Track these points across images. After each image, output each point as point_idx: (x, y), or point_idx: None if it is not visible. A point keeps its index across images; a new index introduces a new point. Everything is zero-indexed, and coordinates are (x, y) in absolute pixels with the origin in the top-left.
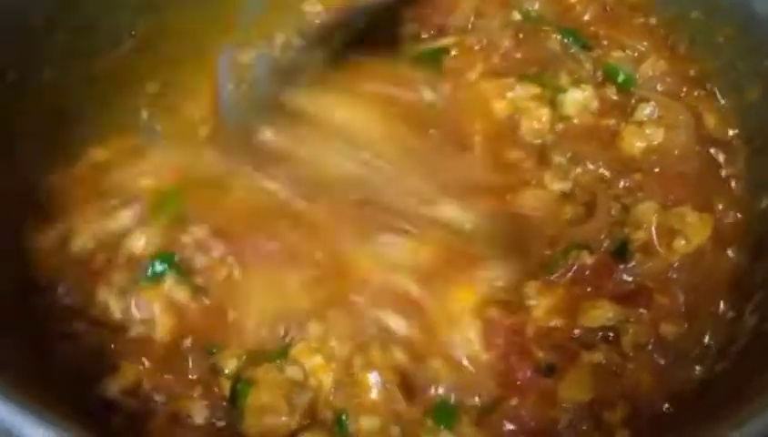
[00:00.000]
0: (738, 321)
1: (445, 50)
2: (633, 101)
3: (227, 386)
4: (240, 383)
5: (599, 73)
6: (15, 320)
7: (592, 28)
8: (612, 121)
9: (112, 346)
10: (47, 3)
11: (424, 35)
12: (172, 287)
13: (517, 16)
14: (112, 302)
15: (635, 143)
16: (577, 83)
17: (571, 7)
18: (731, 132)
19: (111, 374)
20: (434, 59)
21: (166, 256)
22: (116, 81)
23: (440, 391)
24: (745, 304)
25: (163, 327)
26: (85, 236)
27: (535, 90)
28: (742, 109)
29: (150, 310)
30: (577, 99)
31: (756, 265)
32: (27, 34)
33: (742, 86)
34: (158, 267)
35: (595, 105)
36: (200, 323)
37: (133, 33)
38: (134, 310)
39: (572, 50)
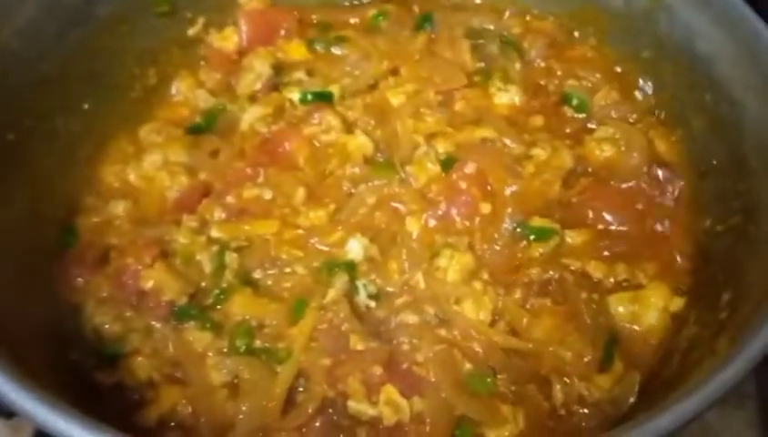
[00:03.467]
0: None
1: None
2: (590, 122)
3: None
4: None
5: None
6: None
7: (543, 64)
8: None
9: None
10: None
11: None
12: None
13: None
14: None
15: (596, 151)
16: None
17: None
18: (678, 157)
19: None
20: None
21: None
22: None
23: None
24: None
25: None
26: None
27: None
28: (688, 138)
29: None
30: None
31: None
32: None
33: (687, 118)
34: None
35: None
36: None
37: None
38: None
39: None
